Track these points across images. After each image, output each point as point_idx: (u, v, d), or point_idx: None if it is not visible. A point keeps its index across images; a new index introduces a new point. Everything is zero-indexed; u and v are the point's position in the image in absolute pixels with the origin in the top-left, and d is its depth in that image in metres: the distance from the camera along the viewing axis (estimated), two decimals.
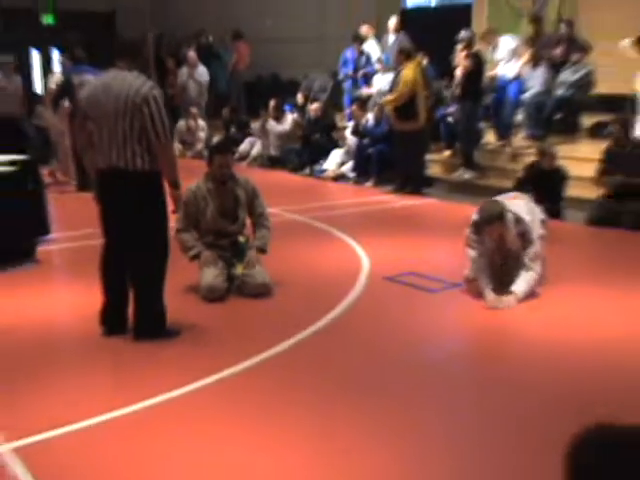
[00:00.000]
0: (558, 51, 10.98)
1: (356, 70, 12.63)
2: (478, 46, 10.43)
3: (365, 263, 6.54)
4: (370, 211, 9.07)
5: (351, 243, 7.28)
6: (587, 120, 10.94)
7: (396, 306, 5.50)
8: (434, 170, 10.65)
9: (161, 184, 4.68)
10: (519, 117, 10.98)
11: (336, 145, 11.68)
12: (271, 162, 12.39)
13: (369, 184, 10.54)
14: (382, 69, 12.05)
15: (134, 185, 4.59)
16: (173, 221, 5.24)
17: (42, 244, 7.09)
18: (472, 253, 5.50)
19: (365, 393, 4.01)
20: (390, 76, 10.69)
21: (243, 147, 12.94)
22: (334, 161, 11.37)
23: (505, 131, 10.44)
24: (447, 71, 10.99)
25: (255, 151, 12.78)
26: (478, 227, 5.44)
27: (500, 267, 5.62)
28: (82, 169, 10.00)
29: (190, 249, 5.70)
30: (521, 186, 7.25)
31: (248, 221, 5.94)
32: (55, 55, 14.41)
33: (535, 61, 10.81)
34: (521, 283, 5.40)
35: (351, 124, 11.55)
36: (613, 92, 10.50)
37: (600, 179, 7.88)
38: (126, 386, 4.12)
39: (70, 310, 5.67)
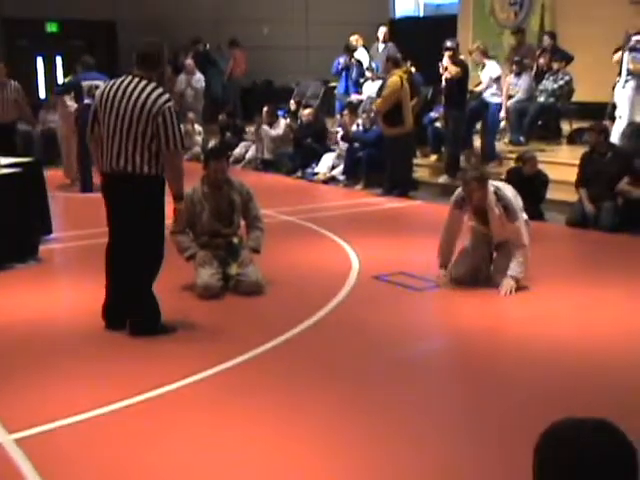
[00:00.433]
0: (542, 61, 11.41)
1: (347, 81, 12.90)
2: (464, 57, 10.75)
3: (354, 263, 6.71)
4: (359, 213, 9.30)
5: (341, 243, 7.44)
6: (567, 126, 11.33)
7: (385, 304, 5.62)
8: (421, 174, 10.90)
9: (163, 189, 4.77)
10: (502, 123, 11.38)
11: (327, 149, 11.96)
12: (265, 165, 12.62)
13: (359, 187, 10.77)
14: (372, 77, 12.39)
15: (137, 189, 4.69)
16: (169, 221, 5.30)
17: (44, 243, 7.22)
18: (446, 227, 5.91)
19: (354, 388, 4.11)
20: (379, 83, 11.04)
21: (238, 151, 13.21)
22: (325, 164, 11.59)
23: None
24: (434, 78, 11.31)
25: (249, 155, 13.04)
26: (460, 201, 5.77)
27: (490, 256, 5.94)
28: (86, 172, 10.35)
29: (186, 250, 5.80)
30: None
31: (242, 222, 6.06)
32: (59, 62, 14.64)
33: (519, 70, 11.20)
34: (515, 267, 5.64)
35: (341, 129, 11.89)
36: (592, 100, 10.89)
37: (576, 189, 8.14)
38: (124, 380, 4.19)
39: (71, 307, 5.80)
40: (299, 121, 12.89)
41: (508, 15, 13.79)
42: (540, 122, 11.14)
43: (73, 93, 10.72)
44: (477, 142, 10.89)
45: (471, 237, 6.12)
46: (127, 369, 4.40)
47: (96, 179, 10.36)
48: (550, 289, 5.88)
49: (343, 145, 11.49)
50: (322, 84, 14.86)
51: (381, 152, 10.37)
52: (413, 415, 3.84)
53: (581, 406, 3.72)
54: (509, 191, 5.81)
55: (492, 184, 5.74)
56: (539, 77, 11.35)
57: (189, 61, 14.49)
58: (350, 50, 12.89)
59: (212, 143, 13.78)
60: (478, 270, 5.99)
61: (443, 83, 10.48)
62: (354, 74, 12.78)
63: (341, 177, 11.23)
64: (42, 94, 15.79)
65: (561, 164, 9.50)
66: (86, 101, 10.19)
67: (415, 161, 10.79)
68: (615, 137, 9.32)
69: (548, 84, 11.05)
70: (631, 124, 9.62)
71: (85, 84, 10.39)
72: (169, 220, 5.07)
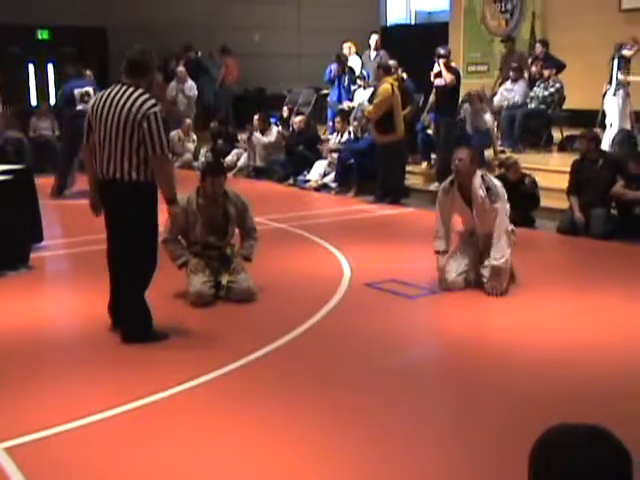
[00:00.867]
0: (534, 69, 11.49)
1: (340, 89, 12.95)
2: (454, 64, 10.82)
3: (346, 270, 6.71)
4: (351, 220, 9.31)
5: (333, 251, 7.45)
6: (559, 134, 11.39)
7: (376, 311, 5.63)
8: (412, 181, 10.93)
9: (154, 195, 4.81)
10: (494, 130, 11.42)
11: (319, 157, 11.98)
12: (256, 173, 12.63)
13: (350, 194, 10.82)
14: (363, 84, 12.43)
15: (128, 195, 4.74)
16: (163, 228, 5.33)
17: (36, 250, 7.19)
18: (438, 213, 6.06)
19: (347, 394, 4.13)
20: (371, 91, 11.08)
21: (229, 158, 13.22)
22: (317, 172, 11.60)
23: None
24: (425, 86, 11.37)
25: (241, 162, 13.05)
26: (447, 187, 5.99)
27: (476, 243, 6.05)
28: (62, 177, 10.58)
29: (178, 257, 5.79)
30: None
31: (237, 231, 6.05)
32: (50, 69, 14.67)
33: (516, 76, 11.28)
34: (495, 253, 5.76)
35: (333, 137, 11.92)
36: (583, 107, 10.96)
37: (567, 196, 8.18)
38: (117, 387, 4.20)
39: (63, 314, 5.80)
40: (291, 128, 12.91)
41: (499, 23, 13.88)
42: (531, 129, 11.18)
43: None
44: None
45: (459, 242, 6.20)
46: (120, 376, 4.40)
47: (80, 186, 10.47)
48: (541, 296, 5.90)
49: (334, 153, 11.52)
50: (314, 91, 14.91)
51: (373, 160, 10.40)
52: (406, 420, 3.87)
53: (575, 412, 3.69)
54: (497, 182, 5.98)
55: (481, 171, 5.97)
56: (531, 84, 11.43)
57: (181, 68, 14.51)
58: (341, 59, 12.93)
59: (204, 150, 13.80)
60: (468, 273, 6.06)
61: (433, 89, 10.52)
62: (346, 82, 12.82)
63: (333, 184, 11.26)
64: (33, 101, 15.78)
65: (552, 171, 9.54)
66: (78, 107, 10.41)
67: (407, 168, 10.81)
68: (606, 144, 9.39)
69: (539, 91, 11.12)
70: (621, 131, 9.70)
71: (77, 92, 10.61)
72: (162, 227, 5.08)
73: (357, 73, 12.83)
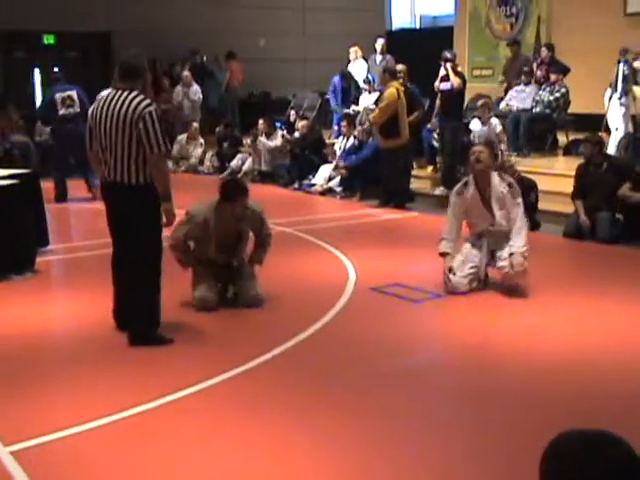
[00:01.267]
0: (539, 73, 11.50)
1: (344, 97, 12.98)
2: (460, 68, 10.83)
3: (351, 274, 6.72)
4: (356, 224, 9.31)
5: (338, 255, 7.45)
6: (564, 138, 11.39)
7: (381, 316, 5.63)
8: (417, 185, 10.94)
9: (157, 196, 4.87)
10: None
11: (324, 161, 12.00)
12: (262, 177, 12.63)
13: (356, 199, 10.82)
14: (369, 89, 12.44)
15: (131, 197, 4.83)
16: (168, 231, 5.35)
17: (42, 255, 7.21)
18: (449, 216, 6.11)
19: (352, 397, 4.16)
20: (376, 95, 11.09)
21: (235, 162, 13.23)
22: (322, 176, 11.62)
23: None
24: (431, 90, 11.37)
25: (246, 167, 13.07)
26: (461, 188, 6.04)
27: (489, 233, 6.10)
28: (60, 182, 10.70)
29: (184, 262, 5.77)
30: None
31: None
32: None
33: (528, 80, 11.32)
34: (518, 241, 5.86)
35: (339, 141, 11.93)
36: (588, 112, 10.96)
37: (572, 200, 8.19)
38: (122, 392, 4.21)
39: (68, 319, 5.79)
40: (296, 133, 12.93)
41: (504, 27, 13.88)
42: (536, 133, 11.18)
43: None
44: None
45: (464, 245, 6.20)
46: (124, 381, 4.41)
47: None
48: (547, 300, 5.90)
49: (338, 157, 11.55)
50: (319, 96, 14.93)
51: (378, 164, 10.40)
52: (411, 422, 3.89)
53: (582, 416, 3.76)
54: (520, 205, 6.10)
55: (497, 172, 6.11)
56: (538, 88, 11.46)
57: (186, 73, 14.55)
58: (345, 75, 12.99)
59: (209, 155, 13.83)
60: (474, 275, 6.07)
61: (438, 94, 10.53)
62: (352, 94, 12.90)
63: (338, 189, 11.26)
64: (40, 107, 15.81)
65: (557, 175, 9.54)
66: (61, 112, 10.66)
67: (412, 172, 10.82)
68: (611, 148, 9.39)
69: (544, 95, 11.12)
70: (627, 135, 9.70)
71: (58, 96, 10.79)
72: (166, 232, 5.11)
73: (363, 78, 12.85)
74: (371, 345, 5.03)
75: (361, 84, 12.83)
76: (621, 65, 9.75)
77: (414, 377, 4.54)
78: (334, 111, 13.42)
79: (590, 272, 7.04)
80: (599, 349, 4.89)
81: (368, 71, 12.95)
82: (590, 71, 10.42)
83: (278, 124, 13.24)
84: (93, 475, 3.37)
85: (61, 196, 10.75)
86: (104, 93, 5.16)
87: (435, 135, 11.03)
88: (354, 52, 13.33)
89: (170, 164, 13.11)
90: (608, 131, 9.94)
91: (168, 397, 4.12)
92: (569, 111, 11.27)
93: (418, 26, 19.34)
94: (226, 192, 5.69)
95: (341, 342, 5.11)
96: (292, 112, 14.22)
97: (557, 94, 11.03)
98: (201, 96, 14.49)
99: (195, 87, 14.43)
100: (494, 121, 10.64)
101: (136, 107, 4.71)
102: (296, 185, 11.91)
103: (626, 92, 9.70)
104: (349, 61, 13.43)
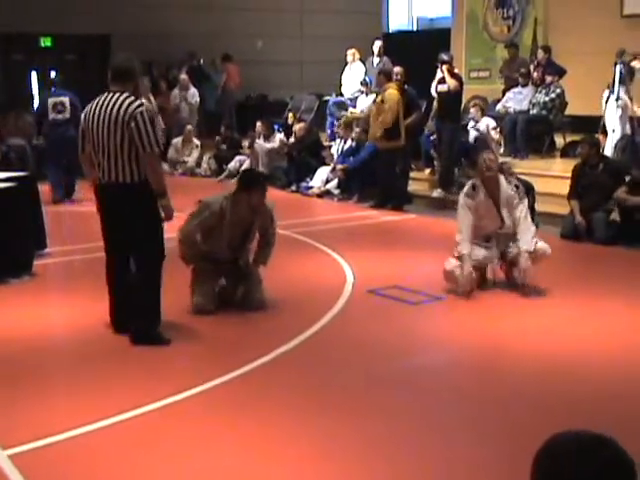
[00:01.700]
0: (535, 74, 11.51)
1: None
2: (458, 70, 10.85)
3: (349, 276, 6.72)
4: (354, 226, 9.31)
5: (336, 257, 7.45)
6: (561, 140, 11.40)
7: (380, 318, 5.63)
8: (415, 187, 10.95)
9: (153, 194, 4.93)
10: (497, 136, 11.46)
11: (322, 163, 11.99)
12: None
13: (353, 201, 10.83)
14: (366, 91, 12.44)
15: (127, 196, 4.91)
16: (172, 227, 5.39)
17: (39, 258, 7.20)
18: (462, 217, 6.09)
19: (350, 398, 4.18)
20: (373, 97, 11.10)
21: (232, 164, 13.23)
22: (320, 178, 11.62)
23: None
24: (428, 92, 11.38)
25: (244, 169, 13.06)
26: (470, 192, 6.08)
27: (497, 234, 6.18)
28: (56, 184, 10.88)
29: (188, 258, 5.68)
30: None
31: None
32: (53, 76, 14.80)
33: (525, 82, 11.33)
34: (527, 239, 5.99)
35: (336, 143, 11.94)
36: (585, 113, 10.97)
37: (568, 201, 8.21)
38: (119, 395, 4.22)
39: (65, 322, 5.79)
40: (293, 135, 12.93)
41: (501, 29, 13.90)
42: (533, 135, 11.20)
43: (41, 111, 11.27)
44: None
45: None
46: (122, 384, 4.41)
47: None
48: (545, 302, 5.92)
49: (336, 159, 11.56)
50: (316, 98, 14.93)
51: (375, 166, 10.41)
52: (409, 423, 3.91)
53: (582, 418, 3.75)
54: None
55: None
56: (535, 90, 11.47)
57: (183, 76, 14.54)
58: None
59: (206, 157, 13.81)
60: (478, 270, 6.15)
61: (435, 95, 10.54)
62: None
63: (336, 191, 11.27)
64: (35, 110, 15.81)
65: (554, 177, 9.55)
66: (51, 116, 10.91)
67: (410, 175, 10.83)
68: (608, 150, 9.40)
69: (540, 97, 11.14)
70: (624, 137, 9.72)
71: (50, 101, 11.03)
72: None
73: (360, 80, 12.86)
74: (369, 347, 5.03)
75: (358, 86, 12.84)
76: (618, 67, 9.77)
77: (412, 378, 4.55)
78: (328, 113, 13.46)
79: (587, 273, 7.06)
80: (599, 350, 4.90)
81: (365, 73, 12.96)
82: (587, 73, 10.44)
83: (276, 126, 13.24)
84: (91, 478, 3.36)
85: (64, 197, 10.90)
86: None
87: (432, 138, 11.03)
88: (351, 54, 13.34)
89: (166, 167, 13.13)
90: (605, 133, 9.95)
91: (167, 400, 4.11)
92: (566, 113, 11.29)
93: (415, 28, 19.34)
94: (245, 180, 5.73)
95: (339, 344, 5.11)
96: (289, 114, 14.23)
97: (552, 94, 11.05)
98: (198, 99, 14.50)
99: (192, 90, 14.43)
100: (486, 120, 10.68)
101: (127, 108, 4.80)
102: (294, 187, 11.91)
103: (625, 93, 9.71)
104: (346, 63, 13.44)
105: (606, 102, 9.97)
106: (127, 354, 4.89)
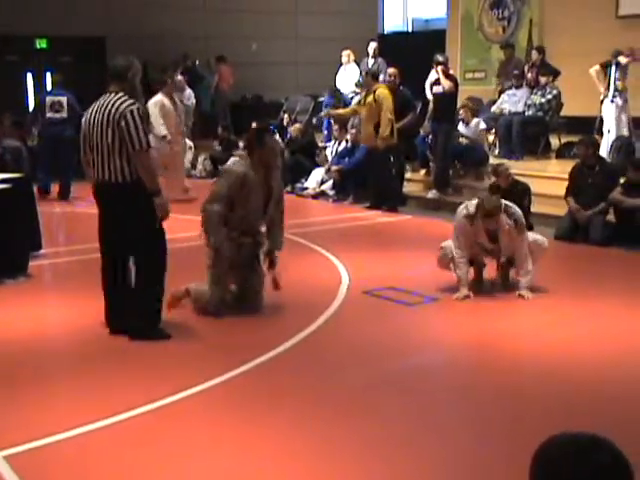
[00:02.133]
0: (529, 75, 11.53)
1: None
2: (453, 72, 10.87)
3: (344, 277, 6.72)
4: (349, 228, 9.32)
5: (331, 258, 7.46)
6: (556, 141, 11.42)
7: (375, 319, 5.64)
8: (410, 188, 10.96)
9: (146, 193, 4.93)
10: (491, 137, 11.51)
11: (317, 164, 12.00)
12: None
13: (348, 202, 10.85)
14: (361, 92, 12.43)
15: (120, 196, 4.95)
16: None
17: (34, 259, 7.20)
18: (457, 247, 5.98)
19: (346, 398, 4.19)
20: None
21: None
22: (315, 179, 11.63)
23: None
24: (423, 93, 11.41)
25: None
26: (470, 217, 5.94)
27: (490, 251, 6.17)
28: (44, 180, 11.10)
29: (216, 237, 5.42)
30: None
31: None
32: (49, 78, 14.83)
33: (518, 83, 11.36)
34: (525, 282, 5.98)
35: (330, 145, 11.94)
36: (580, 114, 11.00)
37: (565, 199, 8.24)
38: (116, 395, 4.21)
39: (61, 323, 5.79)
40: (288, 136, 12.93)
41: (496, 30, 13.91)
42: (528, 136, 11.22)
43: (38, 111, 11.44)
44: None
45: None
46: (120, 384, 4.41)
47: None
48: (540, 303, 5.92)
49: (330, 160, 11.56)
50: (311, 99, 14.94)
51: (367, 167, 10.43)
52: (406, 423, 3.92)
53: (579, 419, 3.77)
54: (516, 209, 6.07)
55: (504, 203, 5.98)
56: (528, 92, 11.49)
57: (179, 77, 14.50)
58: (335, 93, 13.05)
59: (201, 158, 13.81)
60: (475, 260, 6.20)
61: (430, 97, 10.55)
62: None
63: (331, 192, 11.28)
64: (31, 110, 15.78)
65: (550, 178, 9.57)
66: (48, 115, 11.09)
67: (405, 176, 10.85)
68: (604, 151, 9.42)
69: (536, 98, 11.15)
70: (619, 138, 9.74)
71: (48, 99, 11.23)
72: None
73: (355, 81, 12.87)
74: (365, 348, 5.03)
75: (353, 87, 12.85)
76: (613, 67, 9.79)
77: (408, 379, 4.55)
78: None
79: (583, 274, 7.06)
80: (596, 352, 4.91)
81: (360, 75, 12.96)
82: (582, 74, 10.45)
83: (271, 127, 13.21)
84: (88, 479, 3.36)
85: (46, 192, 11.07)
86: None
87: (429, 139, 11.04)
88: (346, 56, 13.34)
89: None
90: (601, 134, 9.98)
91: (164, 400, 4.12)
92: (561, 114, 11.30)
93: (410, 29, 19.36)
94: (253, 137, 5.68)
95: (335, 345, 5.12)
96: (285, 115, 14.22)
97: (549, 96, 11.06)
98: (194, 100, 14.48)
99: (188, 91, 14.39)
100: (476, 121, 10.71)
101: (118, 107, 4.86)
102: (288, 188, 11.89)
103: (618, 92, 9.73)
104: (341, 64, 13.43)
105: (602, 103, 10.00)
106: (125, 354, 4.89)
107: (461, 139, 10.67)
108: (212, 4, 16.93)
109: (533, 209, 8.39)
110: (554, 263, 7.67)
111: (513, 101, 11.41)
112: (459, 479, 3.41)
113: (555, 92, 11.07)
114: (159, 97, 10.73)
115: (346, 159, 11.27)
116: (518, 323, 5.57)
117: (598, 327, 5.41)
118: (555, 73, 11.33)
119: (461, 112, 10.85)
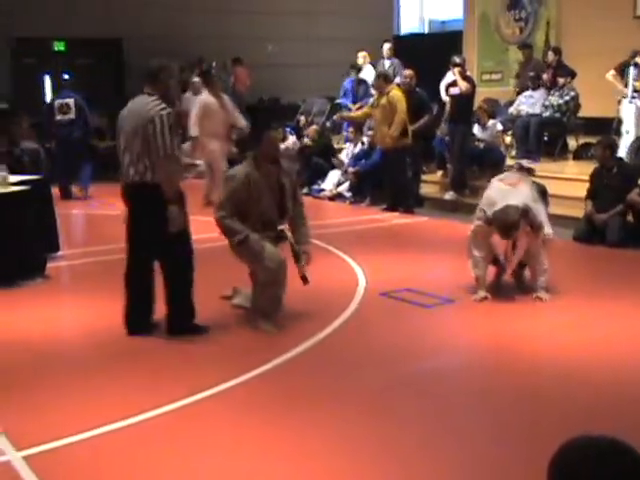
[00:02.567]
0: (545, 76, 11.47)
1: (355, 100, 12.99)
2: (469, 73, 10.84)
3: (361, 279, 6.72)
4: (366, 229, 9.32)
5: (348, 260, 7.46)
6: (574, 142, 11.36)
7: (392, 321, 5.64)
8: (427, 190, 10.95)
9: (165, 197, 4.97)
10: (508, 139, 11.46)
11: (334, 166, 12.01)
12: None
13: (365, 203, 10.85)
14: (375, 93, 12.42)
15: (147, 197, 4.99)
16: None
17: (52, 261, 7.25)
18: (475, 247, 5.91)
19: (364, 400, 4.20)
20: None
21: None
22: (331, 181, 11.64)
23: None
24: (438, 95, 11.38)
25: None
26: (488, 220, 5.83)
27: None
28: (65, 183, 11.32)
29: (238, 232, 5.25)
30: None
31: None
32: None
33: (535, 85, 11.31)
34: (541, 282, 5.93)
35: (347, 146, 11.93)
36: (598, 115, 10.93)
37: (585, 201, 8.21)
38: (133, 397, 4.23)
39: (79, 324, 5.81)
40: (305, 138, 12.94)
41: (513, 31, 13.85)
42: (545, 137, 11.16)
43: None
44: None
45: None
46: (136, 386, 4.43)
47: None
48: (559, 304, 5.90)
49: (347, 162, 11.55)
50: (328, 101, 14.94)
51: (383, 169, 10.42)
52: (423, 425, 3.92)
53: (598, 422, 3.76)
54: (529, 199, 5.89)
55: (518, 206, 5.73)
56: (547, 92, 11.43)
57: (196, 79, 14.55)
58: (357, 69, 13.00)
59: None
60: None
61: (446, 98, 10.52)
62: (361, 92, 12.86)
63: (347, 194, 11.28)
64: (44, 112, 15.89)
65: (567, 179, 9.52)
66: (57, 117, 11.34)
67: (422, 177, 10.83)
68: (622, 152, 9.35)
69: (554, 100, 11.09)
70: (638, 139, 9.66)
71: (57, 102, 11.48)
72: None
73: (370, 83, 12.85)
74: (382, 350, 5.03)
75: (372, 90, 12.83)
76: (631, 68, 9.73)
77: (425, 381, 4.55)
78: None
79: (601, 276, 7.02)
80: (614, 353, 4.88)
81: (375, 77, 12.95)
82: (600, 75, 10.39)
83: (288, 129, 13.25)
84: (106, 479, 3.38)
85: (64, 196, 11.18)
86: None
87: (446, 140, 11.00)
88: (362, 57, 13.33)
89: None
90: (619, 135, 9.91)
91: (181, 401, 4.14)
92: (579, 115, 11.23)
93: (427, 31, 19.32)
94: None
95: (352, 347, 5.12)
96: (301, 117, 14.24)
97: (567, 97, 10.99)
98: None
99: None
100: (493, 122, 10.68)
101: (148, 110, 4.91)
102: (305, 190, 11.91)
103: (637, 92, 9.67)
104: (357, 65, 13.40)
105: (619, 103, 9.94)
106: (141, 356, 4.91)
107: (477, 142, 10.64)
108: (229, 5, 16.98)
109: (550, 211, 8.35)
110: (572, 265, 7.65)
111: (530, 103, 11.35)
112: (473, 472, 3.41)
113: (573, 93, 11.00)
114: (203, 96, 10.54)
115: (363, 161, 11.27)
116: (535, 325, 5.54)
117: (616, 328, 5.38)
118: (572, 74, 11.27)
119: (478, 113, 10.83)
